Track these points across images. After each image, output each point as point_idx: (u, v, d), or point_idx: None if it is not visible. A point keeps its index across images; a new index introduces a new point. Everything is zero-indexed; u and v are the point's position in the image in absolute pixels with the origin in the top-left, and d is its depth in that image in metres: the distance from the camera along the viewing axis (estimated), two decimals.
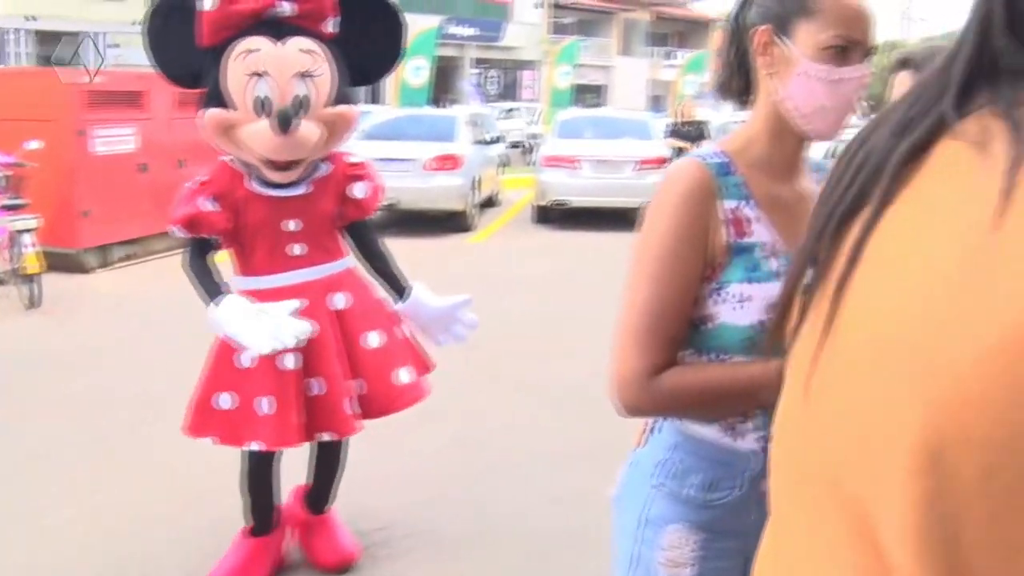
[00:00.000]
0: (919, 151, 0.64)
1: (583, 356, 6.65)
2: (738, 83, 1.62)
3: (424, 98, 16.01)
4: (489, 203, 14.72)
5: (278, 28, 2.98)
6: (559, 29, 42.88)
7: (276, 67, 2.95)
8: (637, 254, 1.55)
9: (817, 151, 1.75)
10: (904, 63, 2.17)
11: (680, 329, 1.52)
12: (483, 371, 6.14)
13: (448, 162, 12.22)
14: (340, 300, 3.20)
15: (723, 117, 17.39)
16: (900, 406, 0.58)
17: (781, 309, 0.79)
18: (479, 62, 38.73)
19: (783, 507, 0.74)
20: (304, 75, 2.98)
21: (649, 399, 1.50)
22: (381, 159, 11.83)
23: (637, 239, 1.56)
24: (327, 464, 3.52)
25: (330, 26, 3.06)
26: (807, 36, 1.49)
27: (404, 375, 3.27)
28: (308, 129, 2.99)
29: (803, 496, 0.68)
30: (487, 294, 9.02)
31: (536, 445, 4.92)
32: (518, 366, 6.41)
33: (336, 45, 3.09)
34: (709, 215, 1.52)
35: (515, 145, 18.59)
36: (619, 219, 13.49)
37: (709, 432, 1.58)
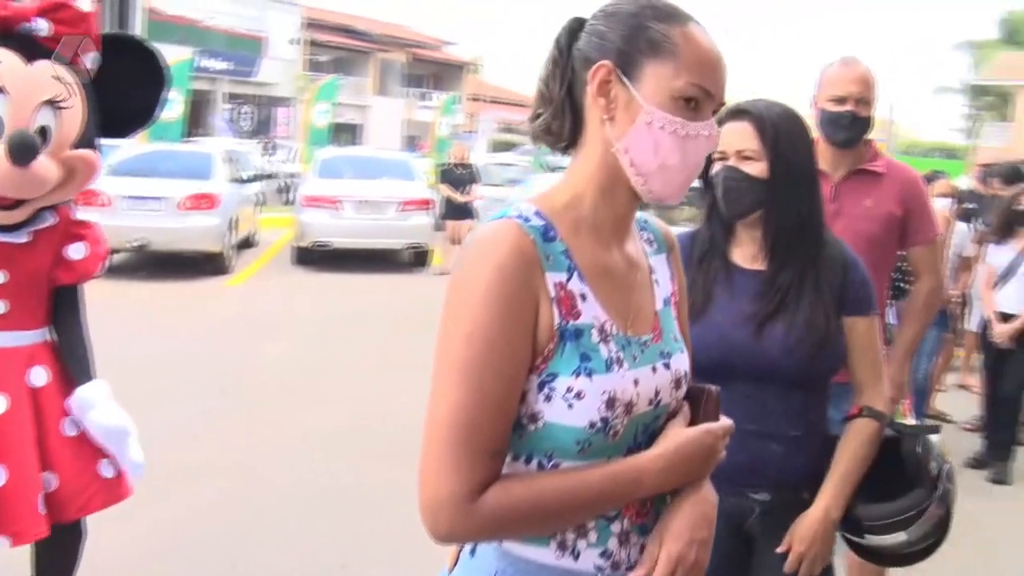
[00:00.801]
0: None
1: (347, 402, 6.55)
2: (562, 125, 1.33)
3: (178, 133, 15.33)
4: (246, 244, 14.23)
5: (31, 47, 2.61)
6: (315, 67, 42.35)
7: (19, 87, 2.57)
8: (444, 346, 1.24)
9: None
10: (737, 113, 2.10)
11: (504, 437, 1.24)
12: (245, 420, 5.87)
13: (204, 201, 11.69)
14: (40, 376, 2.71)
15: (480, 159, 17.78)
16: None
17: None
18: (232, 97, 37.59)
19: None
20: (53, 104, 2.62)
21: (470, 525, 1.21)
22: (130, 197, 11.21)
23: (442, 326, 1.25)
24: (54, 562, 2.91)
25: (89, 61, 2.74)
26: (657, 81, 1.26)
27: (107, 468, 2.78)
28: (46, 167, 2.58)
29: None
30: (247, 340, 8.70)
31: (299, 494, 4.75)
32: (281, 414, 6.17)
33: (91, 87, 2.76)
34: (536, 292, 1.24)
35: (269, 176, 17.98)
36: (382, 260, 13.45)
37: (540, 553, 1.29)
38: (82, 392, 2.76)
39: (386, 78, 48.90)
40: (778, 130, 2.07)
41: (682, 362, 1.41)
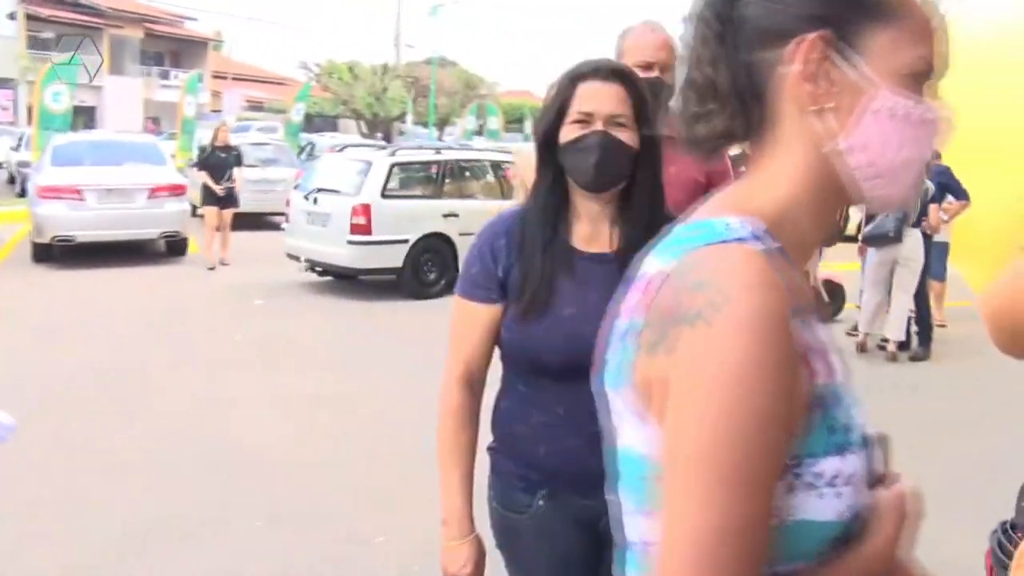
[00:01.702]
0: None
1: (148, 415, 6.01)
2: (743, 123, 0.99)
3: None
4: None
5: None
6: (37, 44, 39.02)
7: None
8: (700, 438, 0.86)
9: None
10: (610, 73, 1.90)
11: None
12: (41, 443, 5.18)
13: None
14: None
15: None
16: None
17: None
18: None
19: None
20: None
21: None
22: None
23: (686, 408, 0.87)
24: None
25: None
26: (887, 52, 0.94)
27: None
28: None
29: None
30: (4, 351, 7.74)
31: (101, 525, 4.27)
32: (75, 433, 5.56)
33: None
34: (795, 351, 0.89)
35: None
36: (135, 252, 12.52)
37: None
38: None
39: (120, 56, 45.88)
40: (645, 97, 1.92)
41: None
